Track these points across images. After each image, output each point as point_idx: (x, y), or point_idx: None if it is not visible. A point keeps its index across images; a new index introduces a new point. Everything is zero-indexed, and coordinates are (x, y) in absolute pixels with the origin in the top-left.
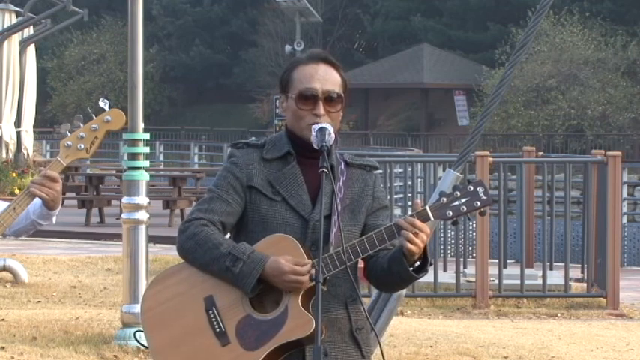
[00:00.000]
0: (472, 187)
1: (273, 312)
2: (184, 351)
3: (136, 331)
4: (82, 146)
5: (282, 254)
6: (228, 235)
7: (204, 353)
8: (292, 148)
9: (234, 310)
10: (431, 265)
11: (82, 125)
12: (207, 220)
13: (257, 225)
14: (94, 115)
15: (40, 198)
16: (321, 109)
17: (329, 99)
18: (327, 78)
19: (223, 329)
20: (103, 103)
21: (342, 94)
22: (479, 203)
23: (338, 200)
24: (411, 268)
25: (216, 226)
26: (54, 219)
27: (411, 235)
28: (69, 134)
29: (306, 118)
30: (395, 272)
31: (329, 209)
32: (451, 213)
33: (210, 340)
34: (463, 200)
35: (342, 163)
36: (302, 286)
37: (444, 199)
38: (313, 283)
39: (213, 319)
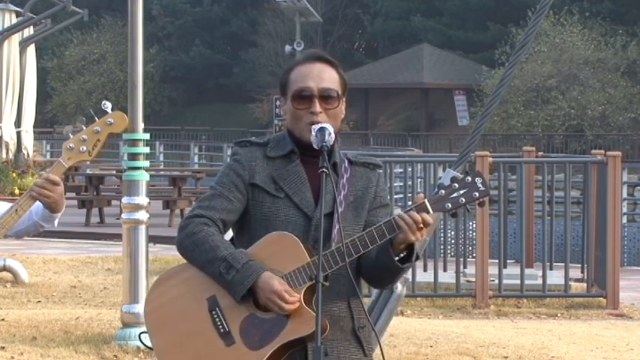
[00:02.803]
0: (470, 178)
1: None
2: (189, 352)
3: (141, 333)
4: (85, 148)
5: (283, 252)
6: (230, 234)
7: (209, 354)
8: (295, 147)
9: (238, 310)
10: (418, 258)
11: (84, 127)
12: (208, 217)
13: (259, 222)
14: (96, 117)
15: (41, 202)
16: (317, 106)
17: (325, 97)
18: (322, 76)
19: (227, 329)
20: (106, 106)
21: (340, 92)
22: (477, 194)
23: (341, 197)
24: (397, 259)
25: (216, 223)
26: (56, 221)
27: (409, 232)
28: (71, 136)
29: (304, 117)
30: (382, 263)
31: (331, 207)
32: (450, 205)
33: (214, 341)
34: (461, 192)
35: (346, 161)
36: (281, 312)
37: (443, 192)
38: (313, 282)
39: (217, 320)
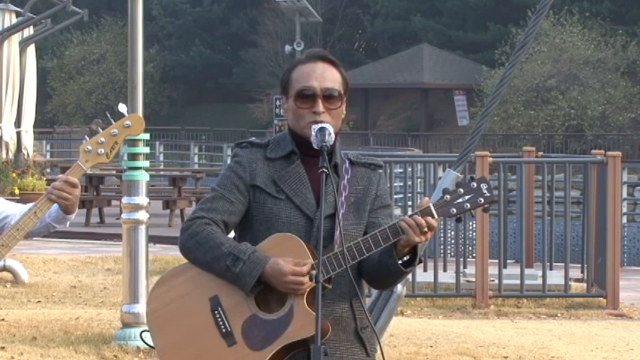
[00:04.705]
0: (475, 184)
1: (278, 312)
2: (191, 352)
3: (142, 332)
4: (102, 151)
5: (286, 254)
6: (232, 234)
7: (211, 354)
8: (296, 148)
9: (240, 310)
10: (420, 262)
11: (100, 130)
12: (210, 219)
13: (261, 224)
14: (112, 120)
15: (58, 204)
16: (320, 106)
17: (328, 97)
18: (325, 76)
19: (229, 329)
20: (123, 108)
21: (342, 92)
22: (482, 200)
23: (342, 198)
24: (400, 262)
25: (218, 225)
26: (68, 223)
27: (413, 234)
28: (87, 139)
29: (306, 116)
30: (384, 266)
31: (333, 207)
32: (455, 210)
33: (216, 341)
34: (467, 197)
35: (347, 162)
36: (301, 288)
37: (448, 197)
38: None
39: (219, 320)
